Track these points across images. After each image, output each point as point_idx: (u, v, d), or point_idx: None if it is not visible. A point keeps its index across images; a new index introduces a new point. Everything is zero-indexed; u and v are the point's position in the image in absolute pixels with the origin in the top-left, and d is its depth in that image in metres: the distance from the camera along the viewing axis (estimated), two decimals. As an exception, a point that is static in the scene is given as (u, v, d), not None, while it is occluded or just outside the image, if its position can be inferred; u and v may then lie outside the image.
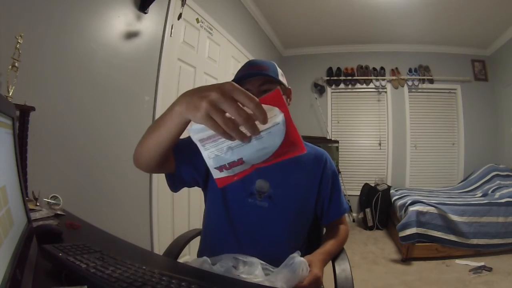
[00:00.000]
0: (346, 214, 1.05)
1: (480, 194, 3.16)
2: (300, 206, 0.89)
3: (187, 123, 0.53)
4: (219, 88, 0.43)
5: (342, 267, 0.83)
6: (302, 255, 0.97)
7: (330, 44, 4.43)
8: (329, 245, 0.86)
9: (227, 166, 0.47)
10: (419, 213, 2.63)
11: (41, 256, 0.57)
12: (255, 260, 0.71)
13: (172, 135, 0.57)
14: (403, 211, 2.83)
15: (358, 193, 4.15)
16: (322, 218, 0.97)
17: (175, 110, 0.51)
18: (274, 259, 0.78)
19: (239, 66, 3.24)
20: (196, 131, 0.46)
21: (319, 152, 0.96)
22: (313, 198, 0.92)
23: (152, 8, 1.76)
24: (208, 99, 0.42)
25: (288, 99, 0.90)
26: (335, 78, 4.45)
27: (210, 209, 0.92)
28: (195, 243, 1.10)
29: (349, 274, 0.80)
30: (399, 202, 3.07)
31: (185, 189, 0.90)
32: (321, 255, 0.79)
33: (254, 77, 0.82)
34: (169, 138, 0.59)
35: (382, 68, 4.40)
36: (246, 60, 3.68)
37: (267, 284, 0.63)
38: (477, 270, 2.26)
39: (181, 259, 0.93)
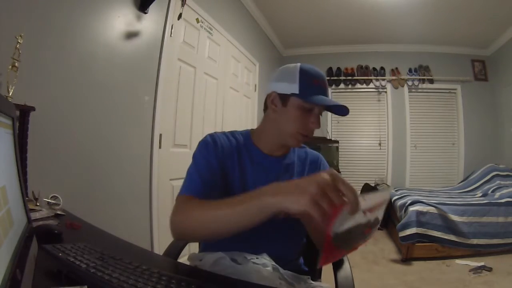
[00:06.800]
0: None
1: (480, 194, 3.16)
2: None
3: (273, 213, 0.53)
4: (321, 181, 0.48)
5: (342, 266, 0.83)
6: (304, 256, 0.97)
7: (330, 44, 4.43)
8: None
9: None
10: (419, 213, 2.63)
11: (41, 256, 0.57)
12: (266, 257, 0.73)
13: (253, 223, 0.56)
14: (403, 211, 2.83)
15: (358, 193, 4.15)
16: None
17: (267, 201, 0.52)
18: (278, 261, 0.78)
19: (239, 66, 3.21)
20: None
21: (314, 155, 0.96)
22: None
23: (152, 8, 1.76)
24: (315, 190, 0.47)
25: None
26: (335, 78, 4.45)
27: None
28: (195, 243, 1.10)
29: (348, 272, 0.80)
30: (399, 202, 3.07)
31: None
32: None
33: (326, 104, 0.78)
34: (245, 226, 0.57)
35: (382, 68, 4.40)
36: (246, 60, 3.66)
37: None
38: (477, 270, 2.26)
39: (181, 259, 0.93)
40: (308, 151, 0.97)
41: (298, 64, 0.83)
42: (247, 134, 0.91)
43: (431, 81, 4.27)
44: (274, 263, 0.73)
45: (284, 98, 0.81)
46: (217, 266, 0.69)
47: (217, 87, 2.60)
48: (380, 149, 4.37)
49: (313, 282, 0.74)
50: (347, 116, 0.82)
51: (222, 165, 0.81)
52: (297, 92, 0.79)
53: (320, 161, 0.95)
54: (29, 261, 0.47)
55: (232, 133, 0.91)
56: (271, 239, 0.82)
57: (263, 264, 0.71)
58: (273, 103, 0.83)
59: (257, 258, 0.73)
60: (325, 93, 0.81)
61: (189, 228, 0.67)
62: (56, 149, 1.28)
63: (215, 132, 0.88)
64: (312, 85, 0.80)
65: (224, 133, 0.89)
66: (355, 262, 2.57)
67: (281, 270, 0.72)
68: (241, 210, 0.57)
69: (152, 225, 1.83)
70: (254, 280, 0.63)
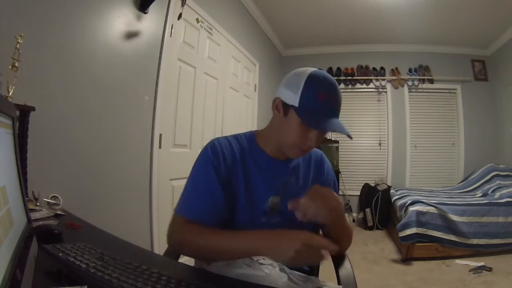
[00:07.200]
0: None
1: (480, 194, 3.16)
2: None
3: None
4: (298, 249, 0.60)
5: (344, 265, 0.83)
6: None
7: (330, 44, 4.43)
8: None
9: None
10: (419, 213, 2.63)
11: (41, 256, 0.57)
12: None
13: (245, 257, 0.67)
14: (403, 211, 2.83)
15: (358, 193, 4.15)
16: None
17: (256, 250, 0.65)
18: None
19: (239, 66, 3.21)
20: None
21: (317, 155, 0.94)
22: None
23: (152, 8, 1.76)
24: (293, 254, 0.60)
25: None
26: (335, 78, 4.43)
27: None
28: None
29: (350, 271, 0.80)
30: (399, 202, 3.07)
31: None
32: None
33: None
34: (240, 257, 0.68)
35: (382, 68, 4.40)
36: (246, 60, 3.66)
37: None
38: (477, 270, 2.26)
39: (181, 259, 0.93)
40: (312, 150, 0.94)
41: (308, 71, 0.75)
42: (252, 137, 0.87)
43: (431, 81, 4.27)
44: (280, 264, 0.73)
45: (286, 107, 0.76)
46: (227, 268, 0.69)
47: (217, 87, 2.60)
48: (380, 149, 4.37)
49: (321, 281, 0.74)
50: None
51: (224, 177, 0.78)
52: (296, 105, 0.73)
53: (323, 161, 0.94)
54: (29, 261, 0.47)
55: (236, 137, 0.87)
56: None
57: (270, 265, 0.71)
58: (276, 109, 0.79)
59: (263, 258, 0.73)
60: (331, 110, 0.73)
61: (188, 252, 0.74)
62: (56, 149, 1.28)
63: (217, 139, 0.84)
64: (315, 100, 0.72)
65: (226, 138, 0.86)
66: (355, 262, 2.57)
67: (287, 270, 0.72)
68: (235, 248, 0.68)
69: (152, 225, 1.83)
70: (262, 281, 0.64)
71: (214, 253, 0.69)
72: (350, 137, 0.76)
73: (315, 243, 0.62)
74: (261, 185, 0.81)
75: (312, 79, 0.73)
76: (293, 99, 0.74)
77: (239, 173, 0.81)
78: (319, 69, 0.78)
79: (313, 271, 1.01)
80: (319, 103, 0.72)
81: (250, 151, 0.84)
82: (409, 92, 4.32)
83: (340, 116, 0.77)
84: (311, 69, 0.76)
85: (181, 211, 0.76)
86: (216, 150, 0.79)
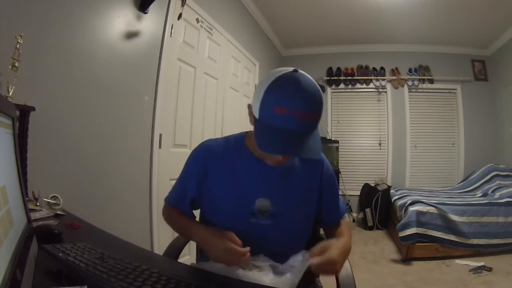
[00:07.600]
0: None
1: (480, 194, 3.16)
2: (302, 216, 0.86)
3: None
4: (221, 256, 0.69)
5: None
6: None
7: (330, 44, 4.43)
8: (344, 239, 0.80)
9: None
10: (419, 213, 2.63)
11: (41, 256, 0.57)
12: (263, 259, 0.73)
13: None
14: (403, 211, 2.83)
15: (358, 193, 4.15)
16: (323, 221, 0.93)
17: (198, 243, 0.85)
18: (281, 258, 0.78)
19: (239, 66, 3.21)
20: None
21: None
22: (314, 205, 0.88)
23: (152, 8, 1.76)
24: (222, 259, 0.69)
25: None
26: (335, 78, 4.45)
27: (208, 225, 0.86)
28: (193, 243, 1.09)
29: (349, 271, 0.80)
30: (399, 202, 3.07)
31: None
32: (339, 244, 0.73)
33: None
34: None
35: (382, 68, 4.40)
36: (246, 60, 3.66)
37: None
38: (477, 270, 2.26)
39: (181, 259, 0.93)
40: None
41: (276, 75, 0.64)
42: (241, 139, 0.86)
43: (431, 81, 4.27)
44: (271, 261, 0.73)
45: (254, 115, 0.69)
46: (227, 268, 0.69)
47: (217, 87, 2.60)
48: (380, 149, 4.37)
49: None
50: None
51: (201, 180, 0.83)
52: (257, 117, 0.66)
53: (322, 160, 0.89)
54: (29, 261, 0.47)
55: (226, 139, 0.87)
56: (269, 253, 0.78)
57: (260, 268, 0.72)
58: (251, 114, 0.72)
59: (254, 260, 0.73)
60: (294, 126, 0.61)
61: (169, 225, 0.92)
62: (56, 149, 1.28)
63: (207, 141, 0.88)
64: (271, 114, 0.61)
65: (216, 140, 0.87)
66: (355, 261, 2.57)
67: (279, 266, 0.72)
68: (185, 233, 0.87)
69: (152, 225, 1.83)
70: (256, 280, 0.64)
71: (178, 232, 0.91)
72: (318, 159, 0.77)
73: (233, 252, 0.67)
74: (249, 186, 0.81)
75: (274, 85, 0.62)
76: (256, 109, 0.65)
77: (225, 174, 0.82)
78: (294, 70, 0.65)
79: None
80: (277, 118, 0.61)
81: (238, 152, 0.83)
82: (409, 92, 4.32)
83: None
84: (282, 72, 0.64)
85: (167, 198, 0.94)
86: (198, 156, 0.86)
